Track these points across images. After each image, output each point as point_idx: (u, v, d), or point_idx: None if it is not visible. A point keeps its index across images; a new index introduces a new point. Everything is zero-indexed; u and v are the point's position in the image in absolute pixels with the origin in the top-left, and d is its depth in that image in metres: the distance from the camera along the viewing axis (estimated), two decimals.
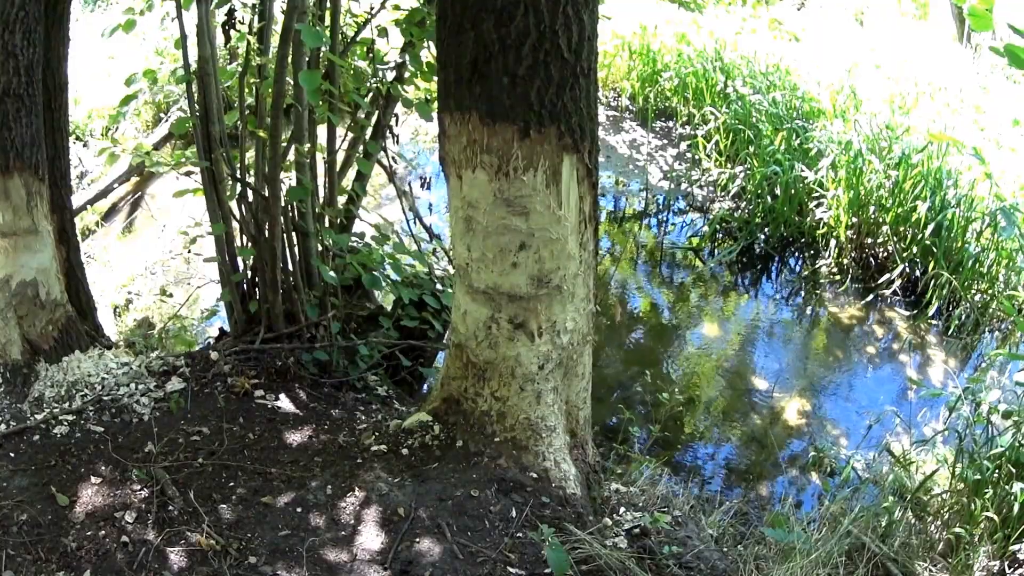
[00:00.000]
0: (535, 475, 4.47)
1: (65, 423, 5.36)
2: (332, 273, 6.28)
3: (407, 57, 6.29)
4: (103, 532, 4.40)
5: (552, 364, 4.36)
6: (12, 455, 5.06)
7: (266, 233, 6.10)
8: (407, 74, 6.61)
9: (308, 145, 6.11)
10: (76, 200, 8.20)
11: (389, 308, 6.88)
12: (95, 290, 7.15)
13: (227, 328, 7.01)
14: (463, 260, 4.24)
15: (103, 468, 4.96)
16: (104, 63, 13.11)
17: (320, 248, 6.55)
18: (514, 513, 4.33)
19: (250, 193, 6.12)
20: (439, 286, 6.69)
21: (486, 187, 3.93)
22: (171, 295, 8.04)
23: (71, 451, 5.12)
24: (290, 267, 6.23)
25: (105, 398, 5.60)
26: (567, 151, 3.88)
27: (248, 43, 6.11)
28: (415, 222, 7.23)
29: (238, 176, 6.03)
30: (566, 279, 4.14)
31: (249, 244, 6.26)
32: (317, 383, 6.01)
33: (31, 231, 5.75)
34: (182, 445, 5.23)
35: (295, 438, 5.35)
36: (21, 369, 5.86)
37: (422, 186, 11.66)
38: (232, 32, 6.37)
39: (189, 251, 8.74)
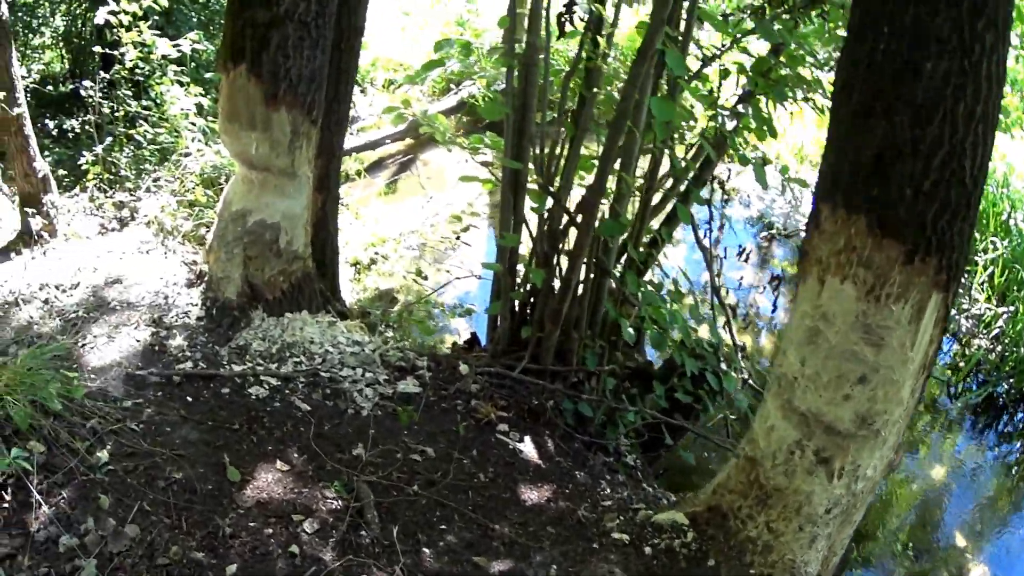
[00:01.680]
0: None
1: (266, 386, 4.92)
2: (631, 330, 5.78)
3: (749, 109, 5.58)
4: (270, 530, 3.85)
5: (838, 510, 4.04)
6: (189, 400, 4.68)
7: (559, 258, 5.62)
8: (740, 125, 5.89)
9: (635, 179, 5.60)
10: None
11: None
12: (340, 240, 6.88)
13: (480, 336, 6.60)
14: (791, 372, 3.91)
15: (295, 455, 4.42)
16: (398, 17, 13.09)
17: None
18: None
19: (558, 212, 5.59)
20: (723, 365, 5.98)
21: (850, 304, 3.61)
22: (425, 277, 7.47)
23: (262, 420, 4.64)
24: (570, 301, 5.66)
25: (323, 374, 5.07)
26: (937, 288, 3.56)
27: (583, 41, 5.52)
28: (714, 290, 6.36)
29: (551, 190, 5.48)
30: (887, 424, 3.83)
31: (538, 262, 5.74)
32: (569, 435, 5.38)
33: (287, 173, 5.39)
34: (398, 462, 4.59)
35: (531, 495, 4.65)
36: (231, 310, 5.52)
37: (739, 255, 10.43)
38: (568, 26, 5.69)
39: (458, 237, 8.22)
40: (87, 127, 8.04)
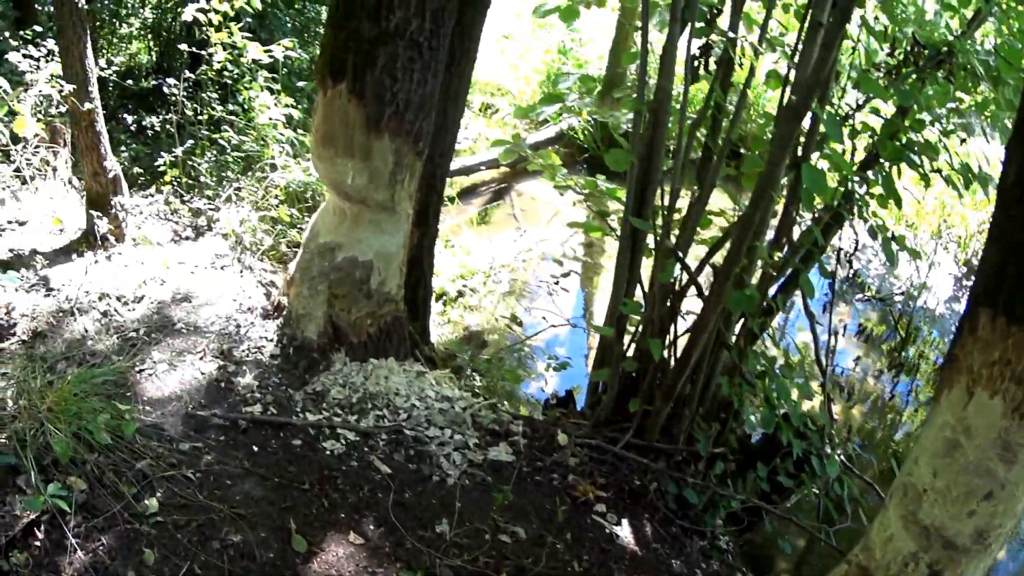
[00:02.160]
0: None
1: (343, 441, 4.36)
2: (754, 417, 5.33)
3: (879, 176, 5.02)
4: None
5: None
6: (255, 449, 4.19)
7: (672, 328, 5.11)
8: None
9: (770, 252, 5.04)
10: None
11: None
12: None
13: (576, 396, 6.03)
14: (921, 484, 3.74)
15: (371, 527, 3.92)
16: (498, 39, 12.63)
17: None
18: None
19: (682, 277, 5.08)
20: (827, 448, 5.48)
21: (995, 420, 3.41)
22: (520, 323, 6.83)
23: (336, 481, 4.12)
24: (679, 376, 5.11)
25: (407, 432, 4.47)
26: None
27: (712, 88, 4.91)
28: (822, 366, 5.70)
29: (679, 255, 4.95)
30: (999, 537, 3.70)
31: (652, 330, 5.16)
32: (668, 518, 4.85)
33: (385, 207, 4.81)
34: (486, 543, 4.06)
35: None
36: (310, 351, 4.98)
37: (858, 334, 9.47)
38: (701, 71, 5.10)
39: (557, 282, 7.59)
40: (168, 126, 7.55)
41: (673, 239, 5.06)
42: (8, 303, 5.16)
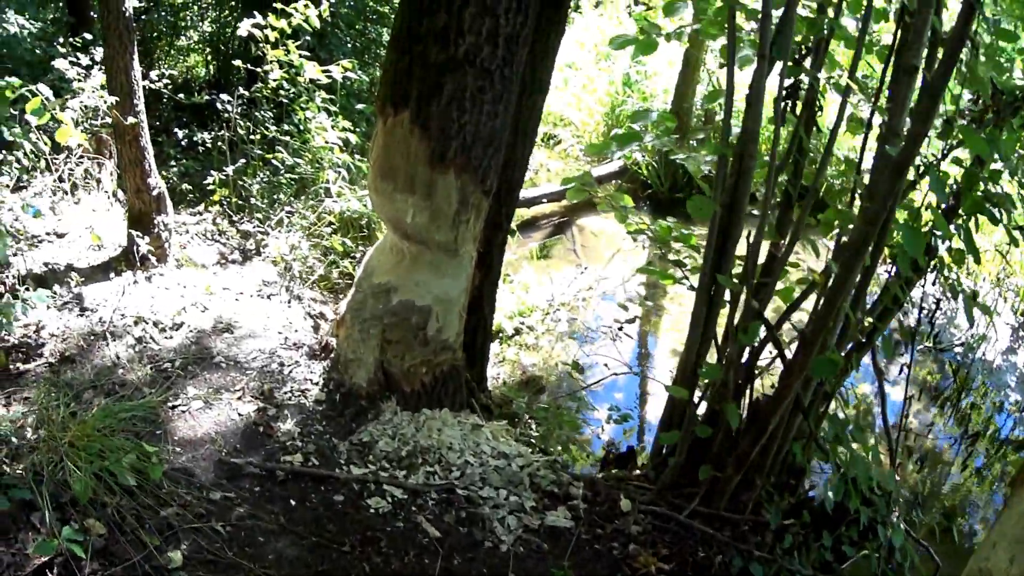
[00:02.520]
0: None
1: (389, 499, 4.00)
2: (831, 494, 4.73)
3: (960, 230, 4.53)
4: None
5: None
6: (292, 503, 3.82)
7: (750, 393, 4.71)
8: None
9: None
10: None
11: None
12: None
13: (636, 448, 5.64)
14: (998, 570, 3.46)
15: None
16: (561, 68, 12.28)
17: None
18: None
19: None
20: (893, 516, 5.06)
21: None
22: (581, 369, 6.41)
23: (379, 544, 3.73)
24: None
25: (459, 491, 4.09)
26: None
27: (796, 130, 4.48)
28: (887, 429, 5.33)
29: (766, 320, 4.51)
30: None
31: (727, 393, 4.70)
32: None
33: (447, 249, 4.43)
34: None
35: None
36: (358, 398, 4.59)
37: (933, 397, 8.77)
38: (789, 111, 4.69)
39: (621, 328, 7.17)
40: (220, 143, 7.26)
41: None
42: (38, 321, 4.86)
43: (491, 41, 3.95)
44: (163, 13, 10.04)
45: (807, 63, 4.54)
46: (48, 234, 5.94)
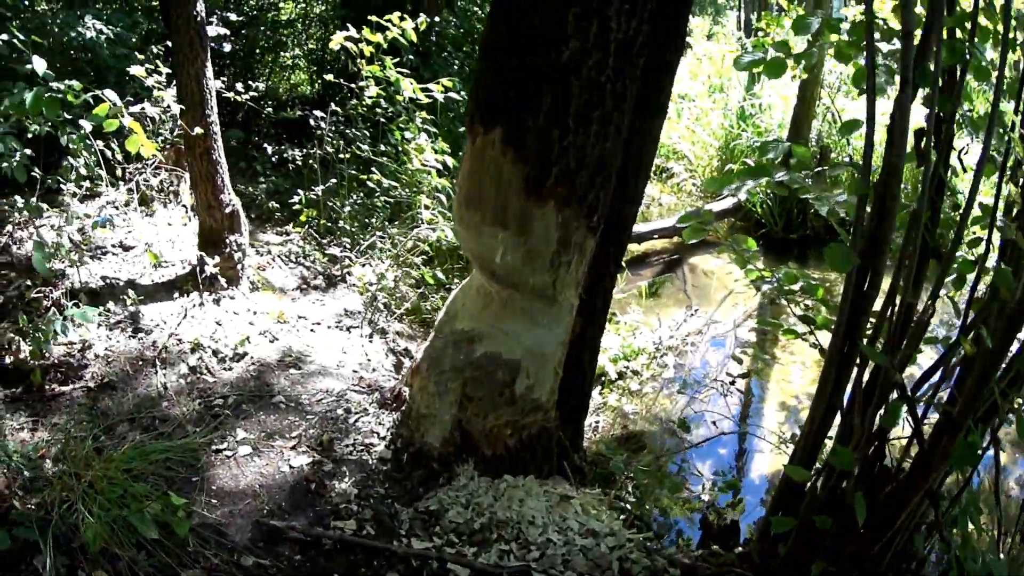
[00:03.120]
0: None
1: None
2: None
3: None
4: None
5: None
6: None
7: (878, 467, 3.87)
8: None
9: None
10: None
11: None
12: None
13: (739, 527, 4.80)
14: None
15: None
16: (674, 99, 11.55)
17: None
18: None
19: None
20: None
21: None
22: (688, 428, 5.66)
23: None
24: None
25: (537, 574, 3.28)
26: None
27: (937, 168, 3.70)
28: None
29: (907, 392, 3.70)
30: None
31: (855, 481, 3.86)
32: None
33: (543, 295, 3.70)
34: None
35: None
36: (429, 460, 3.91)
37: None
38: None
39: (733, 382, 6.42)
40: (311, 161, 6.79)
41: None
42: (84, 340, 4.38)
43: (601, 48, 3.24)
44: (262, 28, 9.70)
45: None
46: (114, 246, 5.51)
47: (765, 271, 4.54)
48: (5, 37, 5.26)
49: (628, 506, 4.58)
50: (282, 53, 10.40)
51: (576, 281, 3.71)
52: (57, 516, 2.90)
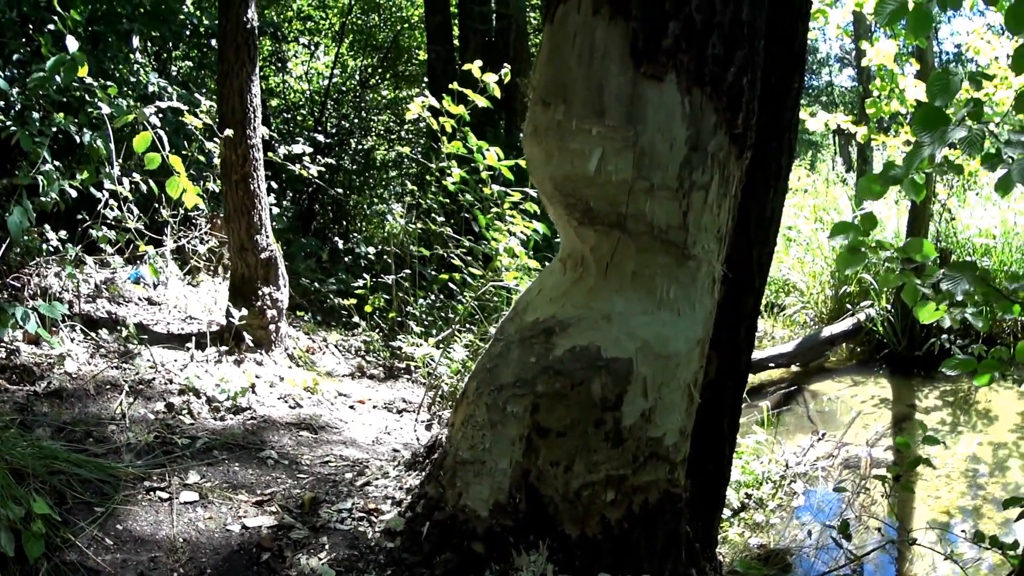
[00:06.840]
0: None
1: None
2: None
3: None
4: None
5: None
6: None
7: None
8: None
9: None
10: None
11: None
12: None
13: None
14: None
15: None
16: (784, 233, 10.50)
17: None
18: None
19: None
20: None
21: None
22: (849, 535, 4.18)
23: None
24: None
25: None
26: None
27: None
28: None
29: None
30: None
31: None
32: None
33: (669, 244, 2.21)
34: None
35: None
36: (468, 538, 2.25)
37: None
38: None
39: (898, 478, 5.04)
40: (385, 257, 5.75)
41: None
42: (60, 353, 3.32)
43: (743, 41, 2.13)
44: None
45: None
46: (140, 299, 4.48)
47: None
48: None
49: None
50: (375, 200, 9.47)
51: (717, 226, 2.21)
52: None
